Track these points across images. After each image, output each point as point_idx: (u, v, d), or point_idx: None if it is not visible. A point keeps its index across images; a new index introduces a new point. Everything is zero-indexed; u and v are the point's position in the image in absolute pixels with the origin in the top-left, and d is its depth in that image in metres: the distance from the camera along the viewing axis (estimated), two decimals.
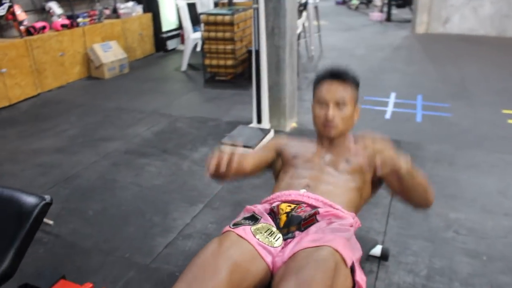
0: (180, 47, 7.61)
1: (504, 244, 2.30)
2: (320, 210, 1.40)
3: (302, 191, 1.49)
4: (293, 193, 1.49)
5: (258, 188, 2.89)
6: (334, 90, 1.56)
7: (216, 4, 6.97)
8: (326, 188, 1.50)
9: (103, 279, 2.12)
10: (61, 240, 2.45)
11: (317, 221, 1.38)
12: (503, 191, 2.83)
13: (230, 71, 5.48)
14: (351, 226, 1.39)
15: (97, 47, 5.80)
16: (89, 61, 5.86)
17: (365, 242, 1.68)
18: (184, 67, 6.19)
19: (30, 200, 1.39)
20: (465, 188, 2.87)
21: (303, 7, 6.01)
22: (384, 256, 2.18)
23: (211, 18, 5.29)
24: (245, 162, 1.55)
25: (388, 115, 4.20)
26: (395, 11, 10.45)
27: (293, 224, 1.37)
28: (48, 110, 4.68)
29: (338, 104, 1.55)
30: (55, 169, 3.31)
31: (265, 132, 3.68)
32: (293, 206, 1.42)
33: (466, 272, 2.10)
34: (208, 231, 2.48)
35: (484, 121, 4.00)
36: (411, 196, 1.45)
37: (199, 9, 6.64)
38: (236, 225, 1.36)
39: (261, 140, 3.53)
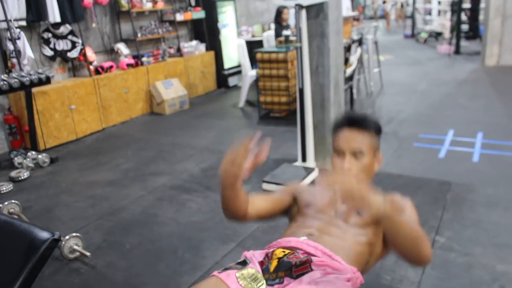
0: (241, 83, 7.82)
1: None
2: (315, 258, 1.34)
3: (303, 238, 1.43)
4: (293, 240, 1.44)
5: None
6: (351, 139, 1.49)
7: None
8: (330, 239, 1.43)
9: None
10: (96, 272, 2.55)
11: (312, 269, 1.32)
12: None
13: (284, 108, 5.53)
14: (349, 280, 1.31)
15: (159, 84, 6.13)
16: (151, 98, 6.19)
17: None
18: (241, 103, 6.33)
19: (40, 235, 1.47)
20: None
21: (359, 43, 5.96)
22: None
23: (266, 55, 5.41)
24: (258, 200, 1.58)
25: (442, 154, 3.98)
26: (464, 43, 10.04)
27: (282, 269, 1.32)
28: (109, 144, 4.98)
29: (355, 154, 1.48)
30: (104, 202, 3.48)
31: (309, 171, 3.63)
32: (287, 252, 1.38)
33: None
34: None
35: None
36: (399, 248, 1.31)
37: (266, 46, 6.81)
38: (225, 269, 1.35)
39: (303, 179, 3.49)
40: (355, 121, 1.52)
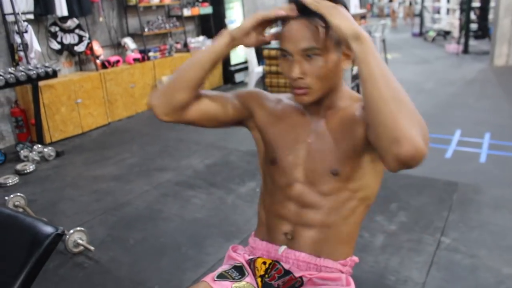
0: (248, 80, 7.80)
1: None
2: (299, 274, 1.21)
3: (282, 248, 1.24)
4: (272, 250, 1.27)
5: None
6: (300, 34, 1.07)
7: None
8: (310, 236, 1.21)
9: None
10: (100, 266, 2.55)
11: (303, 283, 1.22)
12: None
13: None
14: (349, 284, 1.26)
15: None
16: None
17: None
18: None
19: (44, 229, 1.46)
20: None
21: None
22: None
23: (273, 52, 5.39)
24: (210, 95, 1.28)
25: (449, 154, 3.95)
26: (473, 42, 9.96)
27: None
28: (114, 139, 4.98)
29: (307, 54, 1.07)
30: (109, 196, 3.48)
31: None
32: (267, 264, 1.26)
33: None
34: None
35: None
36: (374, 104, 0.95)
37: (273, 43, 6.78)
38: (220, 277, 1.25)
39: None
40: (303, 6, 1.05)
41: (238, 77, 7.74)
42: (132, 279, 2.41)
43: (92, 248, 2.62)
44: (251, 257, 1.31)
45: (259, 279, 1.26)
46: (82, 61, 5.60)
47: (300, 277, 1.21)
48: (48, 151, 4.37)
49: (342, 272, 1.23)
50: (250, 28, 1.14)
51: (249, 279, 1.26)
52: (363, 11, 7.98)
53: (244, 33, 1.15)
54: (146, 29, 6.10)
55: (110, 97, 5.51)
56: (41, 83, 4.53)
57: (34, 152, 4.29)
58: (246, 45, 1.17)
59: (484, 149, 4.01)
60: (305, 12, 1.05)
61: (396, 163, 0.93)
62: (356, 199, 1.19)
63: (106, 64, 5.54)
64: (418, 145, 0.90)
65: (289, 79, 1.13)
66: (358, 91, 5.59)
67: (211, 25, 7.33)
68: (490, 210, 2.94)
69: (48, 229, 1.48)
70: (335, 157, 1.15)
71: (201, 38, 7.17)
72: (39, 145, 4.44)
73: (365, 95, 0.97)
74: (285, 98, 1.30)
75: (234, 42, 1.17)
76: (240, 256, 1.34)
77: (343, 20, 0.98)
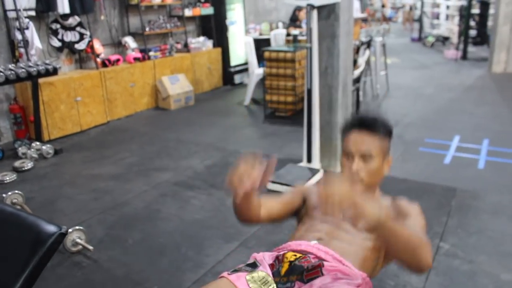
0: (247, 81, 7.80)
1: None
2: (326, 263, 1.33)
3: (313, 242, 1.43)
4: (303, 243, 1.43)
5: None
6: (361, 142, 1.46)
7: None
8: (340, 244, 1.43)
9: None
10: (98, 266, 2.55)
11: (322, 274, 1.31)
12: None
13: (290, 108, 5.51)
14: (359, 286, 1.30)
15: (165, 79, 6.11)
16: (157, 92, 6.18)
17: None
18: (247, 101, 6.32)
19: (47, 228, 1.46)
20: None
21: (367, 45, 5.94)
22: None
23: (273, 54, 5.40)
24: (270, 203, 1.56)
25: (447, 160, 3.96)
26: (472, 48, 10.00)
27: (294, 273, 1.32)
28: (113, 138, 4.97)
29: (364, 157, 1.45)
30: (107, 196, 3.47)
31: (314, 172, 3.62)
32: (298, 255, 1.37)
33: None
34: None
35: None
36: (397, 257, 1.26)
37: (273, 44, 6.79)
38: (235, 271, 1.33)
39: (308, 180, 3.48)
40: (365, 123, 1.49)
41: (238, 78, 7.74)
42: (131, 279, 2.40)
43: (91, 247, 2.61)
44: (281, 253, 1.42)
45: (286, 264, 1.35)
46: (82, 59, 5.58)
47: (322, 268, 1.32)
48: (47, 148, 4.35)
49: (361, 277, 1.35)
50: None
51: (261, 268, 1.35)
52: (364, 15, 8.01)
53: (237, 199, 1.33)
54: (147, 29, 6.09)
55: (109, 96, 5.50)
56: (41, 80, 4.51)
57: (32, 150, 4.28)
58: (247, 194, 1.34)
59: (483, 155, 4.03)
60: (365, 125, 1.48)
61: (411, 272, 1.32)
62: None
63: (107, 62, 5.53)
64: (430, 266, 1.26)
65: (347, 174, 1.47)
66: (357, 94, 5.60)
67: (212, 25, 7.33)
68: (488, 216, 2.95)
69: (51, 228, 1.48)
70: None
71: (201, 38, 7.17)
72: (38, 143, 4.43)
73: (391, 252, 1.32)
74: None
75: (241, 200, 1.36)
76: (260, 255, 1.43)
77: (373, 211, 1.13)
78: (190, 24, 7.25)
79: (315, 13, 3.36)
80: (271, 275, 1.33)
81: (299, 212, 1.68)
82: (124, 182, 3.72)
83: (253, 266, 1.37)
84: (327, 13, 3.46)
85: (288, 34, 6.63)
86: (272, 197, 1.62)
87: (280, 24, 8.59)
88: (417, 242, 1.21)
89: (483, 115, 5.37)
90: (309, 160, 3.76)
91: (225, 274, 1.33)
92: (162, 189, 3.57)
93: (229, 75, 7.61)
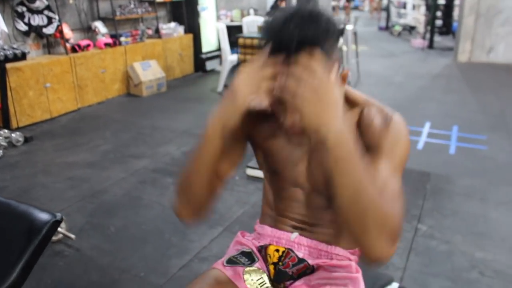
0: (219, 68, 7.75)
1: None
2: (313, 261, 1.22)
3: (294, 235, 1.24)
4: (284, 238, 1.26)
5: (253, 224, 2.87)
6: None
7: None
8: (320, 230, 1.22)
9: None
10: (81, 254, 2.51)
11: (313, 270, 1.24)
12: None
13: None
14: (358, 271, 1.28)
15: (137, 66, 6.00)
16: (128, 79, 6.06)
17: (379, 278, 1.61)
18: (220, 88, 6.29)
19: (41, 216, 1.43)
20: (495, 227, 2.74)
21: (340, 33, 6.00)
22: None
23: (248, 41, 5.38)
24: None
25: (420, 146, 4.09)
26: (437, 38, 10.27)
27: (282, 280, 1.25)
28: (86, 125, 4.86)
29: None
30: (85, 183, 3.41)
31: None
32: (280, 252, 1.24)
33: None
34: (223, 255, 2.47)
35: None
36: (340, 212, 0.91)
37: (245, 31, 6.75)
38: (230, 262, 1.24)
39: None
40: (305, 37, 0.91)
41: (210, 64, 7.68)
42: (116, 267, 2.38)
43: (72, 236, 2.57)
44: (261, 244, 1.30)
45: (271, 266, 1.25)
46: (50, 44, 5.39)
47: (313, 265, 1.22)
48: (16, 136, 4.21)
49: (350, 260, 1.25)
50: (239, 119, 1.01)
51: (259, 264, 1.26)
52: (341, 2, 8.06)
53: (234, 124, 1.03)
54: (117, 13, 5.94)
55: (80, 82, 5.36)
56: (8, 66, 4.34)
57: (0, 138, 4.13)
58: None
59: (453, 141, 4.18)
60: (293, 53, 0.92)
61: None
62: None
63: (76, 48, 5.38)
64: (381, 256, 0.90)
65: (281, 117, 1.04)
66: None
67: (183, 11, 7.22)
68: (461, 199, 3.08)
69: (45, 216, 1.45)
70: None
71: (172, 24, 7.06)
72: (6, 130, 4.27)
73: (333, 199, 0.92)
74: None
75: (226, 134, 1.05)
76: (249, 241, 1.33)
77: (312, 109, 0.87)
78: (161, 9, 7.12)
79: (294, 1, 3.37)
80: (267, 274, 1.25)
81: (254, 150, 1.28)
82: (101, 170, 3.65)
83: (250, 258, 1.27)
84: (307, 0, 3.47)
85: None
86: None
87: (252, 11, 8.56)
88: (373, 199, 0.88)
89: (452, 102, 5.56)
90: None
91: (220, 265, 1.24)
92: (141, 176, 3.53)
93: (200, 62, 7.54)
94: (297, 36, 0.90)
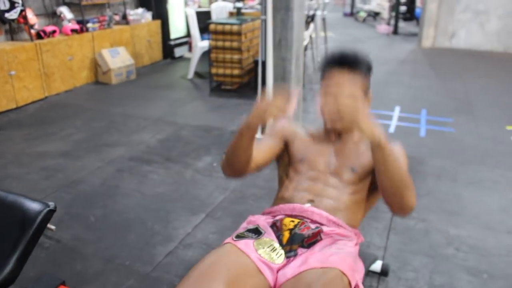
0: (188, 54, 7.67)
1: (506, 262, 2.30)
2: (324, 228, 1.37)
3: (307, 205, 1.44)
4: (297, 207, 1.43)
5: (261, 199, 2.91)
6: (343, 82, 1.42)
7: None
8: (330, 203, 1.45)
9: (103, 286, 2.13)
10: (62, 245, 2.47)
11: (321, 238, 1.35)
12: (506, 209, 2.83)
13: (236, 81, 5.52)
14: (356, 245, 1.38)
15: (105, 53, 5.86)
16: (96, 66, 5.91)
17: (365, 258, 1.68)
18: (190, 75, 6.23)
19: (34, 206, 1.41)
20: (467, 205, 2.87)
21: (311, 19, 6.05)
22: (384, 272, 2.18)
23: (219, 27, 5.33)
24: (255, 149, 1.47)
25: (391, 129, 4.21)
26: (402, 24, 10.49)
27: (296, 242, 1.34)
28: (55, 114, 4.72)
29: (348, 97, 1.40)
30: (59, 173, 3.33)
31: None
32: (296, 221, 1.38)
33: None
34: (208, 241, 2.49)
35: (487, 137, 4.01)
36: (385, 186, 1.30)
37: (214, 17, 6.68)
38: (239, 237, 1.33)
39: None
40: (347, 60, 1.43)
41: (178, 51, 7.59)
42: (100, 256, 2.36)
43: (53, 227, 2.52)
44: (276, 218, 1.42)
45: (287, 232, 1.36)
46: (13, 30, 5.18)
47: (321, 233, 1.36)
48: None
49: (351, 232, 1.41)
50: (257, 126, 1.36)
51: (267, 235, 1.36)
52: None
53: (256, 128, 1.35)
54: None
55: (46, 70, 5.18)
56: None
57: None
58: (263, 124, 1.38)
59: (423, 124, 4.32)
60: (346, 63, 1.45)
61: (396, 215, 1.41)
62: (366, 188, 1.53)
63: (42, 34, 5.18)
64: (413, 208, 1.33)
65: (328, 116, 1.48)
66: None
67: None
68: (434, 180, 3.20)
69: (38, 206, 1.44)
70: (354, 160, 1.51)
71: (140, 10, 6.91)
72: None
73: (379, 180, 1.32)
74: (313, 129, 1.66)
75: (253, 132, 1.37)
76: (260, 220, 1.45)
77: (369, 127, 1.22)
78: None
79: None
80: (277, 241, 1.35)
81: (282, 158, 1.65)
82: (75, 159, 3.58)
83: (256, 232, 1.37)
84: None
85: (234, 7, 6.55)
86: (255, 144, 1.51)
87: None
88: (405, 177, 1.29)
89: (419, 86, 5.72)
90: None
91: (230, 240, 1.33)
92: (117, 164, 3.48)
93: (169, 48, 7.43)
94: (351, 55, 1.47)
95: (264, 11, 3.43)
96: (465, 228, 2.60)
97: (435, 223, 2.65)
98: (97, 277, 2.19)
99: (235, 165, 1.44)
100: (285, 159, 1.64)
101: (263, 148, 1.55)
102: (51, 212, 1.41)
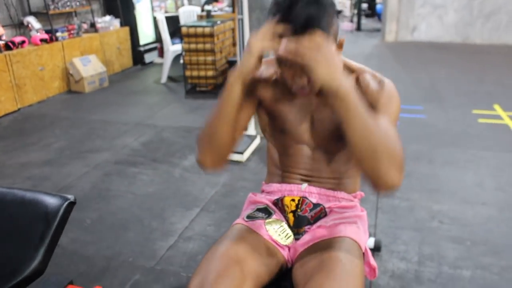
0: (158, 60, 7.69)
1: (485, 230, 2.49)
2: (326, 205, 1.39)
3: (304, 186, 1.40)
4: (294, 189, 1.42)
5: (251, 191, 3.00)
6: (300, 50, 1.05)
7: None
8: (328, 177, 1.39)
9: (110, 283, 2.17)
10: (62, 249, 2.49)
11: (326, 213, 1.40)
12: (479, 183, 3.03)
13: (210, 82, 5.59)
14: (362, 211, 1.46)
15: (77, 61, 5.82)
16: (68, 75, 5.86)
17: None
18: (164, 79, 6.26)
19: (54, 200, 1.46)
20: (445, 183, 3.06)
21: (337, 12, 6.20)
22: (377, 247, 2.32)
23: (191, 30, 5.40)
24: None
25: None
26: (364, 20, 10.82)
27: (302, 225, 1.38)
28: (31, 125, 4.67)
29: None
30: (46, 181, 3.33)
31: (252, 138, 3.80)
32: (297, 200, 1.39)
33: (453, 256, 2.27)
34: (207, 233, 2.57)
35: (456, 121, 4.25)
36: (354, 151, 1.06)
37: (182, 22, 6.73)
38: (250, 217, 1.37)
39: (249, 146, 3.64)
40: (303, 21, 1.06)
41: (148, 57, 7.60)
42: (103, 256, 2.40)
43: None
44: (276, 197, 1.44)
45: (290, 214, 1.39)
46: None
47: (325, 208, 1.39)
48: None
49: (354, 201, 1.43)
50: (255, 64, 1.15)
51: (277, 216, 1.40)
52: None
53: (251, 70, 1.16)
54: (51, 7, 5.71)
55: (18, 81, 5.11)
56: None
57: None
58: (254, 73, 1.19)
59: None
60: (300, 31, 1.07)
61: (375, 191, 1.13)
62: None
63: (11, 45, 5.11)
64: (394, 184, 1.09)
65: (290, 82, 1.19)
66: None
67: (117, 3, 7.06)
68: (412, 162, 3.39)
69: (58, 199, 1.49)
70: (336, 125, 1.23)
71: (107, 17, 6.88)
72: None
73: (348, 142, 1.07)
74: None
75: (245, 81, 1.18)
76: (263, 198, 1.46)
77: (324, 70, 1.01)
78: (95, 2, 6.92)
79: None
80: (286, 222, 1.39)
81: (257, 116, 1.43)
82: (60, 166, 3.57)
83: (266, 212, 1.40)
84: None
85: (202, 10, 6.64)
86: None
87: (186, 1, 8.54)
88: (379, 143, 1.05)
89: (389, 79, 5.94)
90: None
91: (241, 221, 1.36)
92: (104, 169, 3.50)
93: (139, 55, 7.44)
94: (304, 15, 1.06)
95: (240, 10, 3.53)
96: (446, 203, 2.78)
97: (418, 201, 2.82)
98: (104, 275, 2.23)
99: (218, 141, 1.23)
100: (262, 117, 1.42)
101: (241, 112, 1.28)
102: (72, 204, 1.47)
